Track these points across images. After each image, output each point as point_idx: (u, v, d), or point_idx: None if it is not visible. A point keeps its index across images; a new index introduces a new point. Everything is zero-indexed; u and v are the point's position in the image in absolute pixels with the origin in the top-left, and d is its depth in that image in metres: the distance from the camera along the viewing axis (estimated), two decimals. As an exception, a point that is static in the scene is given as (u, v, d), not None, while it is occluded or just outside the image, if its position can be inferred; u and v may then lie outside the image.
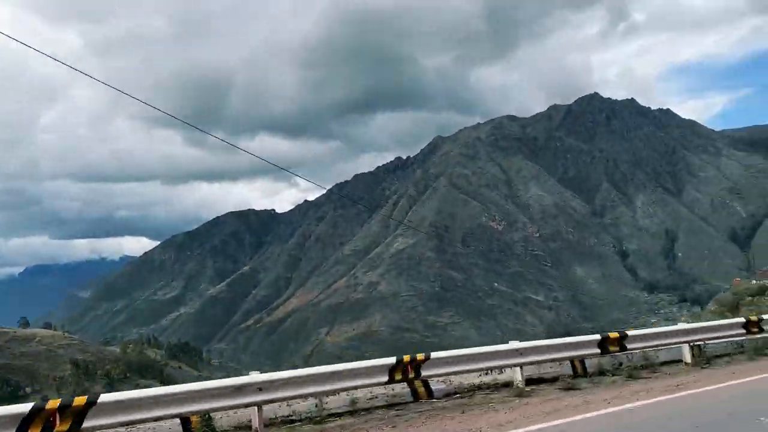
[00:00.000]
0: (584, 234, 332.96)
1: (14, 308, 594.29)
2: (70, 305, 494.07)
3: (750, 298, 39.62)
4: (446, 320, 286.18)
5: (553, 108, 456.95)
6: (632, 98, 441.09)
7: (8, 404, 7.92)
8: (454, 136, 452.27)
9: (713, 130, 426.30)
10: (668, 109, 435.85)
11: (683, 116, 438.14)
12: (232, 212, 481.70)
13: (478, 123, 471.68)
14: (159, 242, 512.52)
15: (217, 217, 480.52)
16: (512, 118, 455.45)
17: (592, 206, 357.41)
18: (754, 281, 64.34)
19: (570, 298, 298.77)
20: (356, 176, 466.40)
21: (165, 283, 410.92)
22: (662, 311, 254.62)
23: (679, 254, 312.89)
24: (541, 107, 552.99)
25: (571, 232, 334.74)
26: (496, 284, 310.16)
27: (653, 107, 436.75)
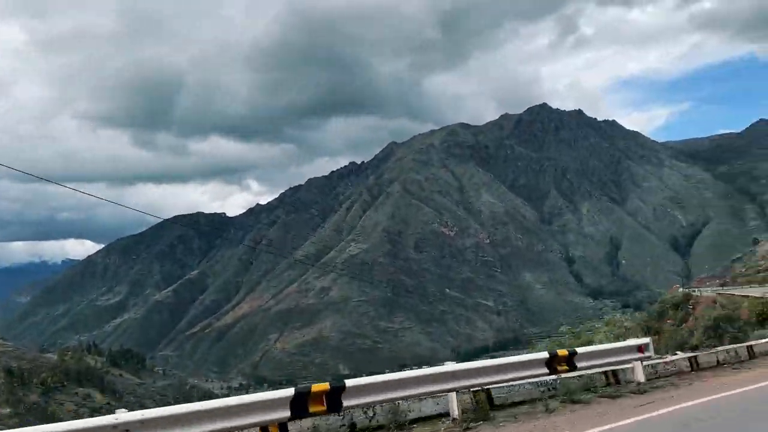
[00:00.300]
0: (532, 240, 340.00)
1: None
2: (7, 310, 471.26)
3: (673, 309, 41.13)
4: (397, 326, 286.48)
5: (504, 117, 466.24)
6: (580, 109, 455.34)
7: None
8: (408, 143, 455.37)
9: (656, 142, 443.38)
10: (614, 121, 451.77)
11: (628, 128, 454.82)
12: (180, 215, 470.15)
13: (432, 130, 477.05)
14: (103, 245, 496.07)
15: (165, 220, 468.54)
16: (465, 126, 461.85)
17: (540, 213, 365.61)
18: (680, 288, 65.57)
19: (518, 303, 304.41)
20: (309, 180, 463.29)
21: (108, 288, 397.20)
22: (605, 317, 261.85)
23: (623, 261, 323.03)
24: (492, 116, 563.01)
25: (520, 238, 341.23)
26: (447, 290, 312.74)
27: (599, 118, 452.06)
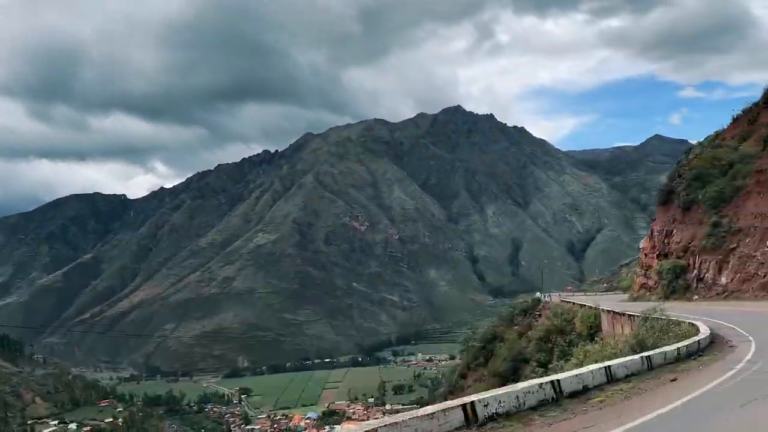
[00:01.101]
0: (440, 238, 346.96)
1: None
2: None
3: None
4: (303, 318, 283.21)
5: (421, 116, 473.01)
6: (491, 114, 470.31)
7: None
8: (324, 134, 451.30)
9: (560, 150, 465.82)
10: (523, 128, 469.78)
11: (536, 135, 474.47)
12: (76, 195, 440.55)
13: (349, 123, 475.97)
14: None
15: (58, 199, 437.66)
16: (382, 122, 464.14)
17: (449, 212, 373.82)
18: (565, 291, 67.74)
19: (423, 299, 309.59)
20: (219, 166, 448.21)
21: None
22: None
23: (523, 262, 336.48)
24: (409, 113, 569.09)
25: (428, 235, 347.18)
26: (354, 284, 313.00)
27: (510, 124, 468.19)
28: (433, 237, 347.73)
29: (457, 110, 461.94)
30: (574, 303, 35.74)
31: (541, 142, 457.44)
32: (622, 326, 19.25)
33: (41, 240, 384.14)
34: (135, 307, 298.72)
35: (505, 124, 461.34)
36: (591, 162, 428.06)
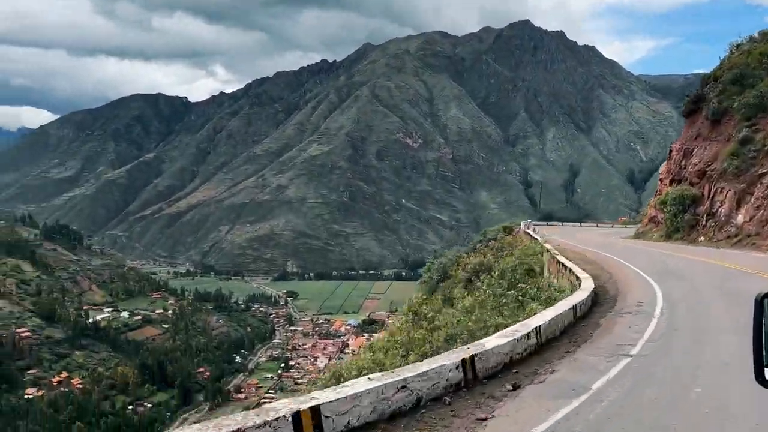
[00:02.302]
0: (494, 160, 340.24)
1: None
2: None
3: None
4: (350, 230, 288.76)
5: (485, 30, 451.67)
6: (561, 31, 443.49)
7: None
8: (383, 46, 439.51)
9: (631, 74, 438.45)
10: (593, 47, 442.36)
11: (606, 56, 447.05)
12: (140, 94, 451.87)
13: (410, 35, 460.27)
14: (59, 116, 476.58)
15: (123, 97, 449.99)
16: (444, 35, 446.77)
17: (506, 134, 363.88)
18: (621, 220, 63.85)
19: (471, 220, 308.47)
20: (278, 74, 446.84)
21: (60, 161, 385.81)
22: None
23: (578, 189, 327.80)
24: (473, 27, 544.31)
25: (482, 156, 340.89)
26: (403, 200, 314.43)
27: (580, 43, 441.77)
28: (488, 158, 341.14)
29: (525, 25, 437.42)
30: (531, 237, 29.47)
31: (612, 64, 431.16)
32: (559, 274, 16.71)
33: (107, 136, 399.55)
34: (192, 207, 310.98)
35: (575, 42, 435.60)
36: (663, 88, 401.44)
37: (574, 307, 11.14)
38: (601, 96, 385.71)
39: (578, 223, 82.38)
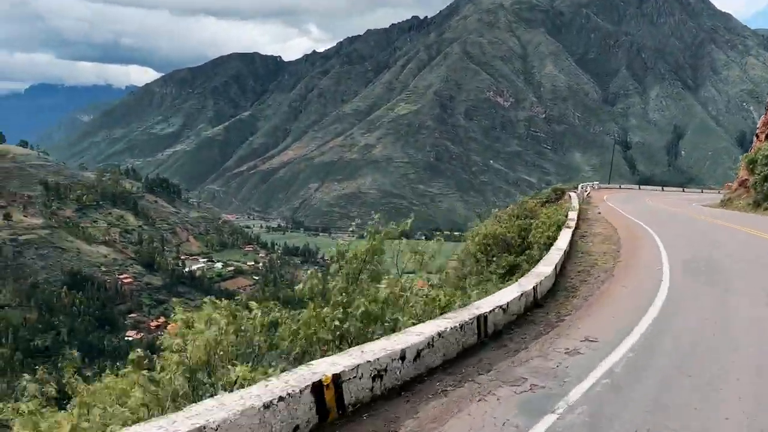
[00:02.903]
0: (591, 120, 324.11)
1: (17, 124, 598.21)
2: (70, 128, 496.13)
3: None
4: (436, 191, 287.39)
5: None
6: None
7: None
8: (476, 1, 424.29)
9: (747, 27, 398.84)
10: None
11: (719, 8, 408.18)
12: (238, 54, 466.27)
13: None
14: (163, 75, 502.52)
15: (221, 56, 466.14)
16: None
17: (605, 93, 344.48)
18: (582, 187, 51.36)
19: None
20: (368, 32, 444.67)
21: (164, 118, 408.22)
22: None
23: (683, 152, 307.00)
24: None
25: (578, 116, 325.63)
26: (491, 161, 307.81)
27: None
28: (584, 118, 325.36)
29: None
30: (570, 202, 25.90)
31: (726, 17, 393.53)
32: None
33: (207, 94, 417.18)
34: (284, 164, 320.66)
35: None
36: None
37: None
38: (712, 52, 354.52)
39: (681, 189, 75.96)
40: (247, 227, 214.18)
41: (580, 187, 43.46)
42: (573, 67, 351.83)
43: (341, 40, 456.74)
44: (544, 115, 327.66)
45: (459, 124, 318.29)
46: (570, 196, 30.28)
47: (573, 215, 19.28)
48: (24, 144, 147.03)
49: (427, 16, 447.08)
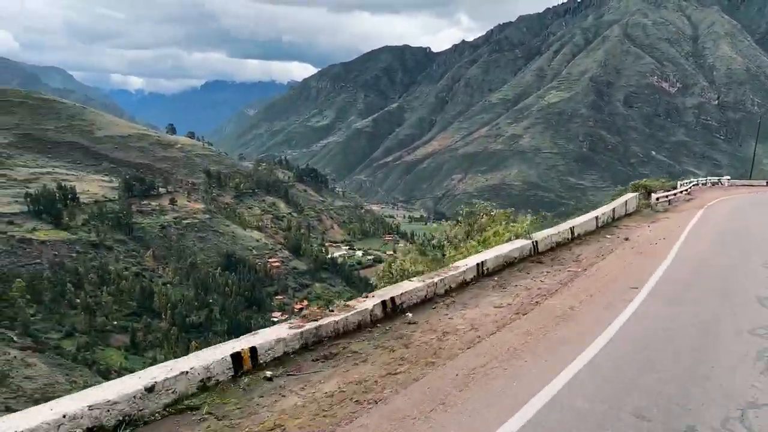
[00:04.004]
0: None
1: (194, 117, 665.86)
2: (239, 121, 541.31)
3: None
4: (588, 183, 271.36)
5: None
6: None
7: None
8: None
9: None
10: None
11: None
12: (387, 47, 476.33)
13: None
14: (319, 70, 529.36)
15: (372, 51, 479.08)
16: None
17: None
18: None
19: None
20: (520, 18, 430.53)
21: (319, 111, 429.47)
22: None
23: None
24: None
25: (758, 102, 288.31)
26: (653, 152, 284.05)
27: None
28: (764, 104, 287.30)
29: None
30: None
31: None
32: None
33: (358, 87, 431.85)
34: (429, 155, 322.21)
35: None
36: None
37: None
38: None
39: None
40: (391, 217, 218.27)
41: (679, 184, 32.90)
42: (752, 48, 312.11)
43: (492, 27, 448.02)
44: (716, 102, 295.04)
45: (617, 112, 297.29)
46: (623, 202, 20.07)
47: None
48: (191, 135, 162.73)
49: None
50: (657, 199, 23.68)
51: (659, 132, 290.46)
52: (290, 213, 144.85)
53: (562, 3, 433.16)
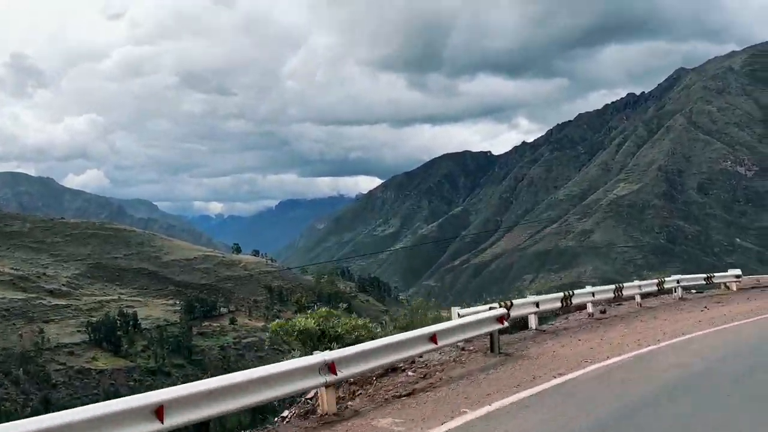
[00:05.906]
0: None
1: (269, 236, 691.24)
2: (309, 236, 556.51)
3: None
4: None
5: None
6: None
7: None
8: (700, 68, 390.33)
9: None
10: None
11: None
12: (448, 154, 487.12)
13: (733, 51, 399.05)
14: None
15: (434, 159, 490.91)
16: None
17: None
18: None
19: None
20: (579, 116, 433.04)
21: (384, 220, 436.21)
22: None
23: None
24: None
25: None
26: (738, 240, 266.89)
27: None
28: None
29: None
30: None
31: None
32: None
33: (421, 195, 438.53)
34: (497, 256, 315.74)
35: None
36: None
37: None
38: None
39: None
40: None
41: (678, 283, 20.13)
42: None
43: (551, 128, 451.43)
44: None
45: (692, 201, 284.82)
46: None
47: None
48: (255, 253, 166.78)
49: (644, 92, 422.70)
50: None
51: (741, 218, 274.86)
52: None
53: (621, 98, 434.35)
